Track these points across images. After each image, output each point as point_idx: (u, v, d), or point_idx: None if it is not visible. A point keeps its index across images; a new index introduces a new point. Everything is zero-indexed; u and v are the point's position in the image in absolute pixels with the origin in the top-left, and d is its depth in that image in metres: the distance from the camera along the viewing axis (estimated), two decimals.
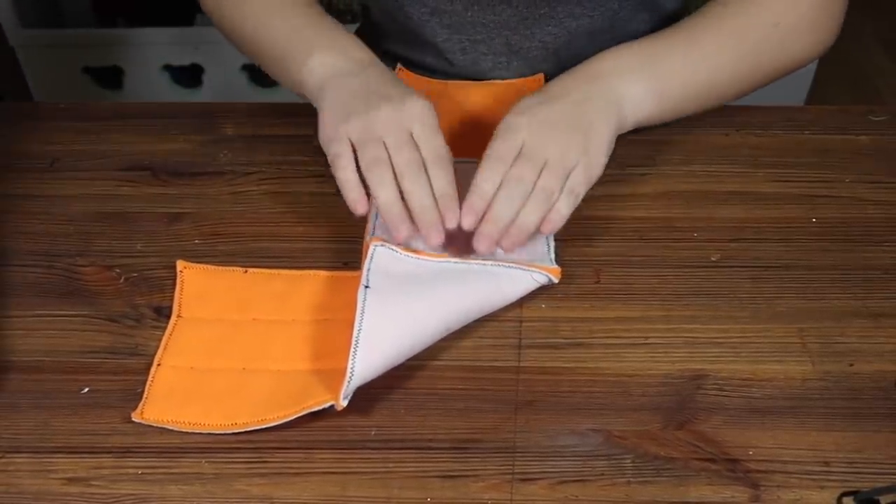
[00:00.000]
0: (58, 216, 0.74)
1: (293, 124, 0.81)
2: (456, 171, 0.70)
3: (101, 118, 0.84)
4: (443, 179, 0.65)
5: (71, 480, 0.56)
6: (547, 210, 0.65)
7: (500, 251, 0.65)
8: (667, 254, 0.69)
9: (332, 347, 0.61)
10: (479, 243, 0.63)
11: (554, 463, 0.56)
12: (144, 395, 0.60)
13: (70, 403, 0.60)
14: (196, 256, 0.69)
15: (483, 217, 0.64)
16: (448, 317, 0.61)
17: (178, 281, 0.67)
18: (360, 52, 0.73)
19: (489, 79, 0.86)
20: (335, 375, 0.58)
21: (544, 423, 0.58)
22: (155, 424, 0.58)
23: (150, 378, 0.61)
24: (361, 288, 0.60)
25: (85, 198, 0.76)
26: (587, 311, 0.65)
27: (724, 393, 0.59)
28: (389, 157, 0.65)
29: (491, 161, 0.66)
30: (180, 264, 0.68)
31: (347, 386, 0.56)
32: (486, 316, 0.64)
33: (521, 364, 0.61)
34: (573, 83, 0.72)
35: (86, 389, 0.61)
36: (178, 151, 0.80)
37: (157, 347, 0.63)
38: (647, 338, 0.63)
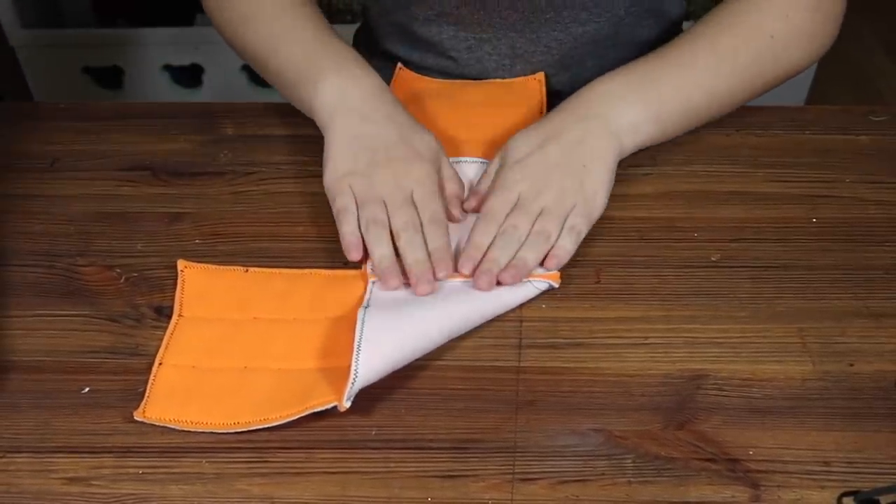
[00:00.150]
0: (58, 216, 0.74)
1: (293, 124, 0.80)
2: (456, 171, 0.71)
3: (101, 118, 0.84)
4: (438, 239, 0.66)
5: (71, 480, 0.56)
6: (546, 249, 0.66)
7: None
8: (667, 254, 0.69)
9: (333, 345, 0.61)
10: (480, 281, 0.64)
11: (554, 463, 0.56)
12: (146, 394, 0.60)
13: (70, 403, 0.60)
14: (196, 256, 0.69)
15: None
16: (450, 323, 0.61)
17: (179, 280, 0.67)
18: (368, 79, 0.74)
19: (491, 79, 0.86)
20: (337, 373, 0.59)
21: (545, 422, 0.58)
22: (157, 423, 0.58)
23: (151, 377, 0.61)
24: (362, 309, 0.61)
25: (85, 198, 0.76)
26: (587, 311, 0.65)
27: (724, 393, 0.59)
28: (388, 217, 0.67)
29: (487, 217, 0.67)
30: (181, 264, 0.68)
31: (351, 388, 0.56)
32: None
33: (522, 364, 0.61)
34: (568, 121, 0.71)
35: (86, 389, 0.61)
36: (179, 151, 0.80)
37: (158, 347, 0.63)
38: (647, 338, 0.63)
